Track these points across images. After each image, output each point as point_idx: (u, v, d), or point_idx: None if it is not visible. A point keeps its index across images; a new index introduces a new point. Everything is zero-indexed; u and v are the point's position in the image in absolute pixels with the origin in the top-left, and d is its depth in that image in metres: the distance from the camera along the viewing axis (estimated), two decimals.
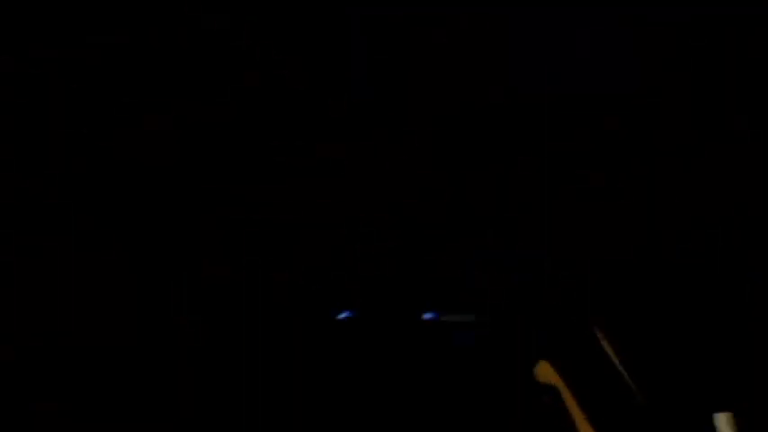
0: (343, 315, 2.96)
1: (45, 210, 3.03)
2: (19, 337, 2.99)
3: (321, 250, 3.07)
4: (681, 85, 3.10)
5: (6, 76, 3.05)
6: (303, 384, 2.98)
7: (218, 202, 3.06)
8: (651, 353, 2.95)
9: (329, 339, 3.00)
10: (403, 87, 3.11)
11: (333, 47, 3.10)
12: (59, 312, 3.01)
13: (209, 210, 3.06)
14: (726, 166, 3.07)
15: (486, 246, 3.08)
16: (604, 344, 2.71)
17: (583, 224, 3.06)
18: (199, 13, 3.09)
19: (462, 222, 3.08)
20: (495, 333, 2.96)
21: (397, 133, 3.10)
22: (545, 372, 2.72)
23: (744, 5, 3.08)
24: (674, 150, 3.09)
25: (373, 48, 3.11)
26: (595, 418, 2.65)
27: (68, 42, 3.06)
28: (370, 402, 2.95)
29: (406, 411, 2.94)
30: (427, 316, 2.95)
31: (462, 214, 3.08)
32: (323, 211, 3.08)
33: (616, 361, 2.70)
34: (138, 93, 3.07)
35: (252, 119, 3.08)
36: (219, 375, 3.00)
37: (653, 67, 3.10)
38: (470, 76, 3.11)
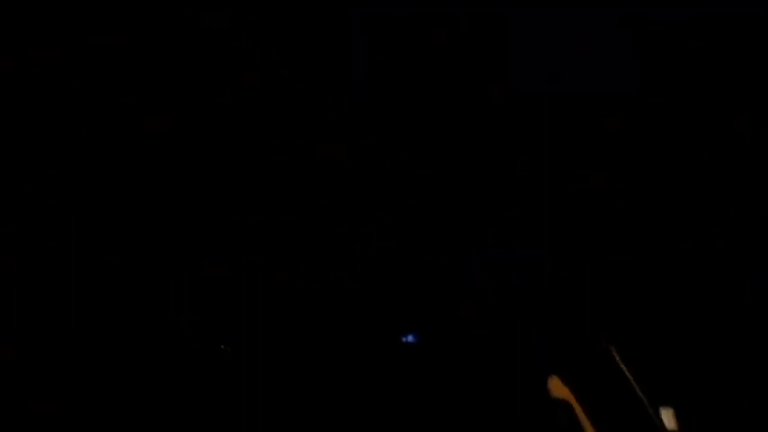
0: (408, 338, 2.96)
1: (45, 210, 3.03)
2: (19, 337, 2.99)
3: (321, 250, 3.07)
4: (681, 85, 3.10)
5: (6, 76, 3.05)
6: (303, 384, 2.98)
7: (218, 202, 3.06)
8: (651, 353, 2.95)
9: (333, 344, 3.00)
10: (403, 87, 3.11)
11: (333, 47, 3.10)
12: (59, 312, 3.01)
13: (209, 210, 3.06)
14: (726, 166, 3.07)
15: (486, 246, 3.08)
16: (617, 358, 2.71)
17: (583, 224, 3.06)
18: (199, 13, 3.08)
19: (462, 222, 3.08)
20: (495, 333, 2.96)
21: (397, 133, 3.10)
22: (557, 387, 2.72)
23: (744, 5, 3.08)
24: (674, 150, 3.09)
25: (373, 48, 3.11)
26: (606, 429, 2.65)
27: (68, 42, 3.06)
28: (369, 404, 2.95)
29: (408, 412, 2.94)
30: (409, 338, 2.95)
31: (462, 214, 3.08)
32: (323, 211, 3.08)
33: (629, 375, 2.70)
34: (138, 93, 3.07)
35: (252, 119, 3.08)
36: (219, 375, 3.00)
37: (653, 67, 3.10)
38: (470, 76, 3.11)
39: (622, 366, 2.67)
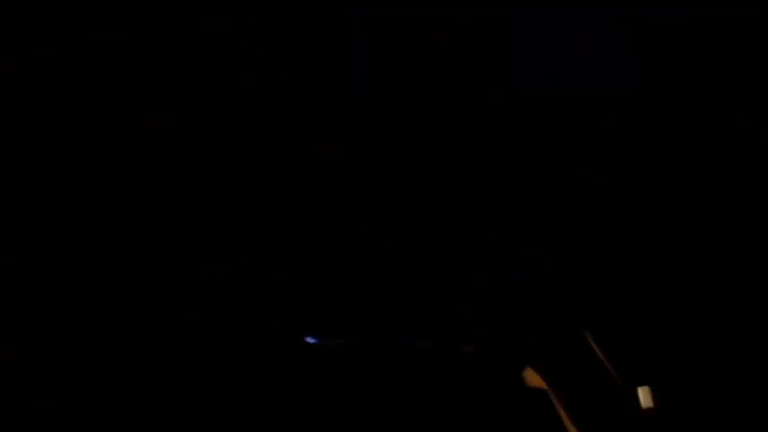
0: (309, 339, 2.97)
1: (45, 210, 3.03)
2: (19, 337, 2.99)
3: (321, 250, 3.07)
4: (681, 85, 3.10)
5: (6, 76, 3.05)
6: (303, 384, 2.98)
7: (218, 202, 3.06)
8: (650, 353, 2.95)
9: (330, 345, 3.00)
10: (403, 87, 3.11)
11: (333, 47, 3.10)
12: (59, 312, 3.01)
13: (209, 210, 3.06)
14: (726, 166, 3.07)
15: (486, 246, 3.08)
16: (594, 346, 2.71)
17: (583, 224, 3.06)
18: (199, 13, 3.08)
19: (462, 222, 3.08)
20: (495, 333, 2.96)
21: (397, 133, 3.10)
22: (532, 378, 2.72)
23: (744, 5, 3.08)
24: (674, 150, 3.09)
25: (373, 48, 3.11)
26: (585, 422, 2.65)
27: (68, 42, 3.06)
28: (369, 403, 2.95)
29: (407, 412, 2.93)
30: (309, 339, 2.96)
31: (462, 214, 3.08)
32: (323, 211, 3.07)
33: (607, 363, 2.70)
34: (138, 93, 3.07)
35: (252, 119, 3.08)
36: (219, 375, 2.99)
37: (653, 67, 3.10)
38: (470, 76, 3.11)
39: (598, 353, 2.67)
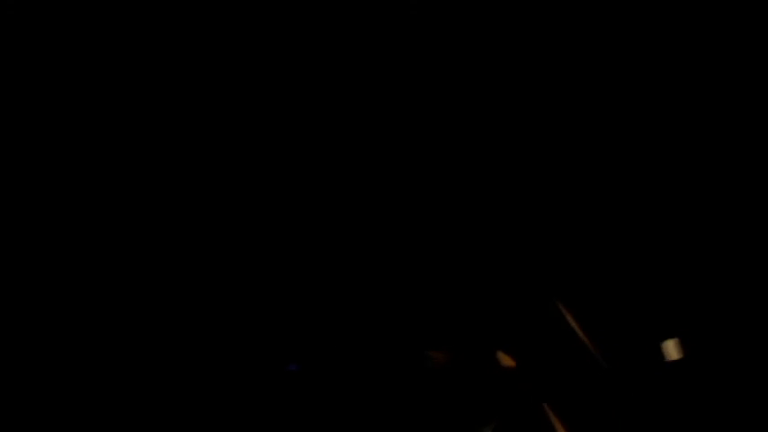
0: (291, 367, 2.98)
1: (45, 210, 3.04)
2: (19, 336, 2.99)
3: (321, 250, 3.07)
4: (680, 85, 3.10)
5: (6, 76, 3.05)
6: (303, 384, 2.99)
7: (218, 202, 3.07)
8: (650, 353, 2.95)
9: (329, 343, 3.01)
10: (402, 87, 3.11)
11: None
12: (59, 312, 3.01)
13: (209, 210, 3.07)
14: (726, 166, 3.07)
15: (486, 246, 3.08)
16: (568, 318, 2.71)
17: (583, 224, 3.07)
18: (199, 13, 3.09)
19: (462, 222, 3.08)
20: (489, 332, 2.97)
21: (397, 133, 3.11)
22: (504, 359, 2.73)
23: (744, 4, 3.08)
24: (674, 150, 3.09)
25: None
26: (560, 402, 2.65)
27: (68, 42, 3.06)
28: (369, 405, 2.96)
29: (408, 413, 2.94)
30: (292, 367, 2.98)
31: (462, 214, 3.09)
32: (323, 210, 3.08)
33: (582, 335, 2.70)
34: (138, 93, 3.08)
35: (252, 119, 3.09)
36: (219, 375, 3.00)
37: (653, 67, 3.10)
38: (470, 76, 3.11)
39: (573, 326, 2.68)
